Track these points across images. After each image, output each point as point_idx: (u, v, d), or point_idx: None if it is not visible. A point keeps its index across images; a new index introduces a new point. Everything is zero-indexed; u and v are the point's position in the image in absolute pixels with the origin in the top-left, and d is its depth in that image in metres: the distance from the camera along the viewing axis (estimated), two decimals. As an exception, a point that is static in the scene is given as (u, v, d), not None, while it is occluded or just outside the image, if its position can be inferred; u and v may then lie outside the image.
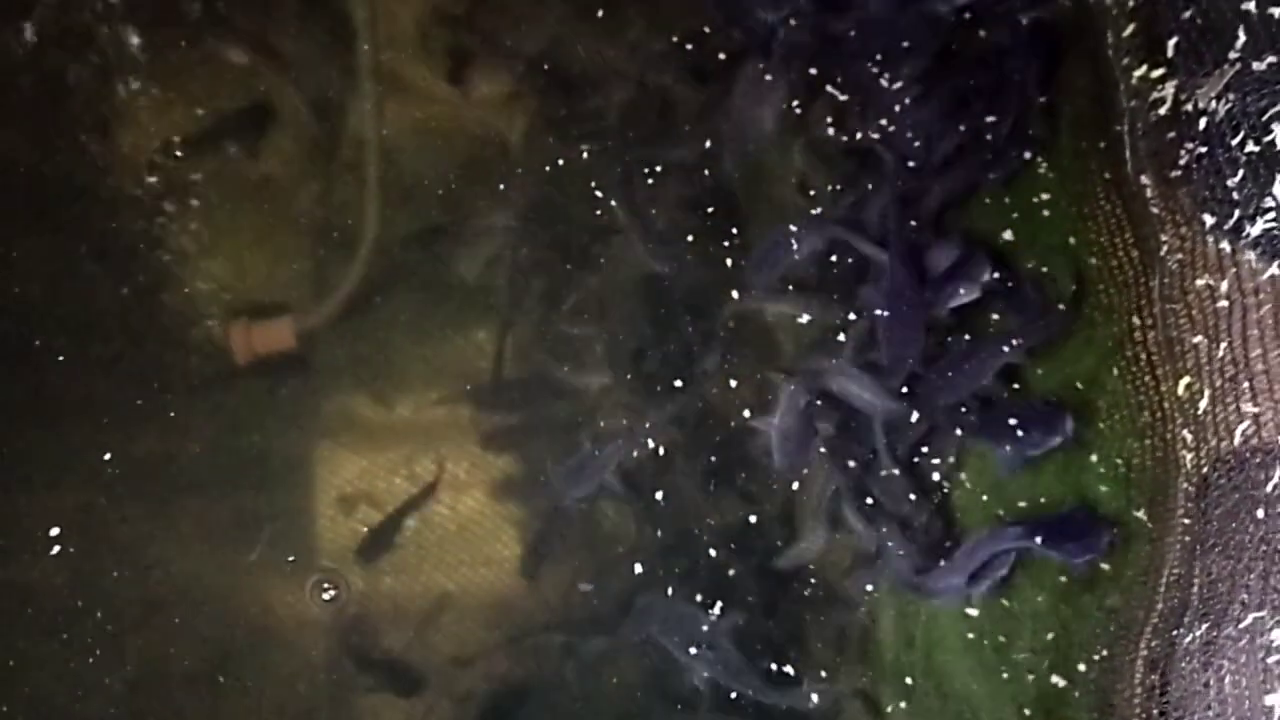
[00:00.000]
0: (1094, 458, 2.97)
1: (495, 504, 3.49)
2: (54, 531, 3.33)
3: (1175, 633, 2.51)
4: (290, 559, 3.44)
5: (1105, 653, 2.73)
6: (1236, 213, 2.70)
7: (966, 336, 3.19)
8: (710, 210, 3.46)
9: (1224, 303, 2.72)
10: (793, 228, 3.31)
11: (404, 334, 3.55)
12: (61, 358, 3.41)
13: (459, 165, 3.58)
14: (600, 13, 3.54)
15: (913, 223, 3.25)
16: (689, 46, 3.52)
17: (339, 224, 3.55)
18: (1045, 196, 3.19)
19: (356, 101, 3.58)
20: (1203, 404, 2.74)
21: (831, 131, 3.41)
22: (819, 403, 3.25)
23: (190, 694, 3.36)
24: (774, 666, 3.30)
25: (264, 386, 3.51)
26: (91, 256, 3.49)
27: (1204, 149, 2.79)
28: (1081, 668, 2.81)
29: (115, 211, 3.51)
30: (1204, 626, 2.44)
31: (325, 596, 3.45)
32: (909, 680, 3.20)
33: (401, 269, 3.53)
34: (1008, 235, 3.22)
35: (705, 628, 3.26)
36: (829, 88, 3.40)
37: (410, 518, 3.48)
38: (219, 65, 3.59)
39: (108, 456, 3.39)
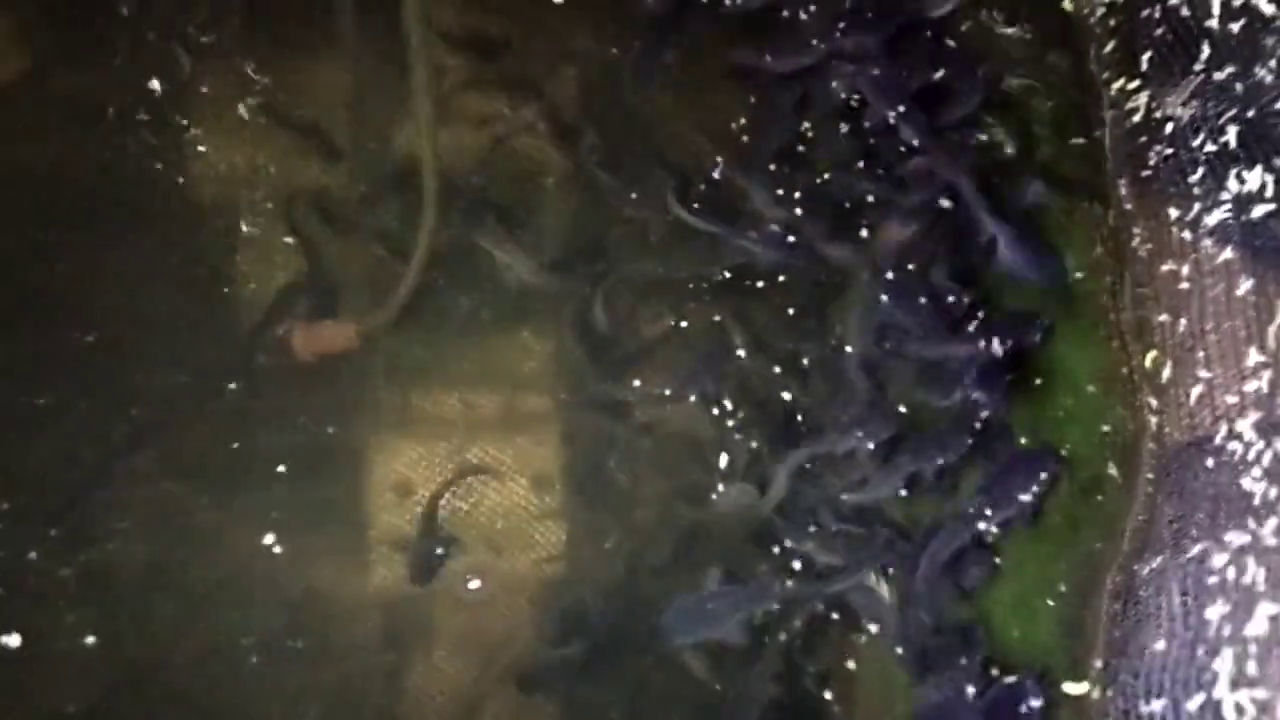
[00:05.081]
0: (1078, 427, 3.17)
1: (538, 493, 3.57)
2: (131, 517, 3.44)
3: (1135, 567, 2.79)
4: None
5: (1076, 589, 2.98)
6: (1197, 206, 2.92)
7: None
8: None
9: (1185, 284, 2.95)
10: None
11: (456, 334, 3.64)
12: (136, 358, 3.51)
13: (510, 173, 3.68)
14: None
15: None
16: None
17: (397, 232, 3.64)
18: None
19: (413, 117, 3.63)
20: (1166, 373, 2.97)
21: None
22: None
23: (258, 663, 3.42)
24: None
25: (326, 382, 3.57)
26: (164, 266, 3.57)
27: (1170, 150, 3.01)
28: (1051, 602, 3.04)
29: (187, 225, 3.61)
30: (1158, 559, 2.71)
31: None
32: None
33: (455, 274, 3.62)
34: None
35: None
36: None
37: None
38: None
39: (179, 448, 3.49)
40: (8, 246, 3.57)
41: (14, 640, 3.35)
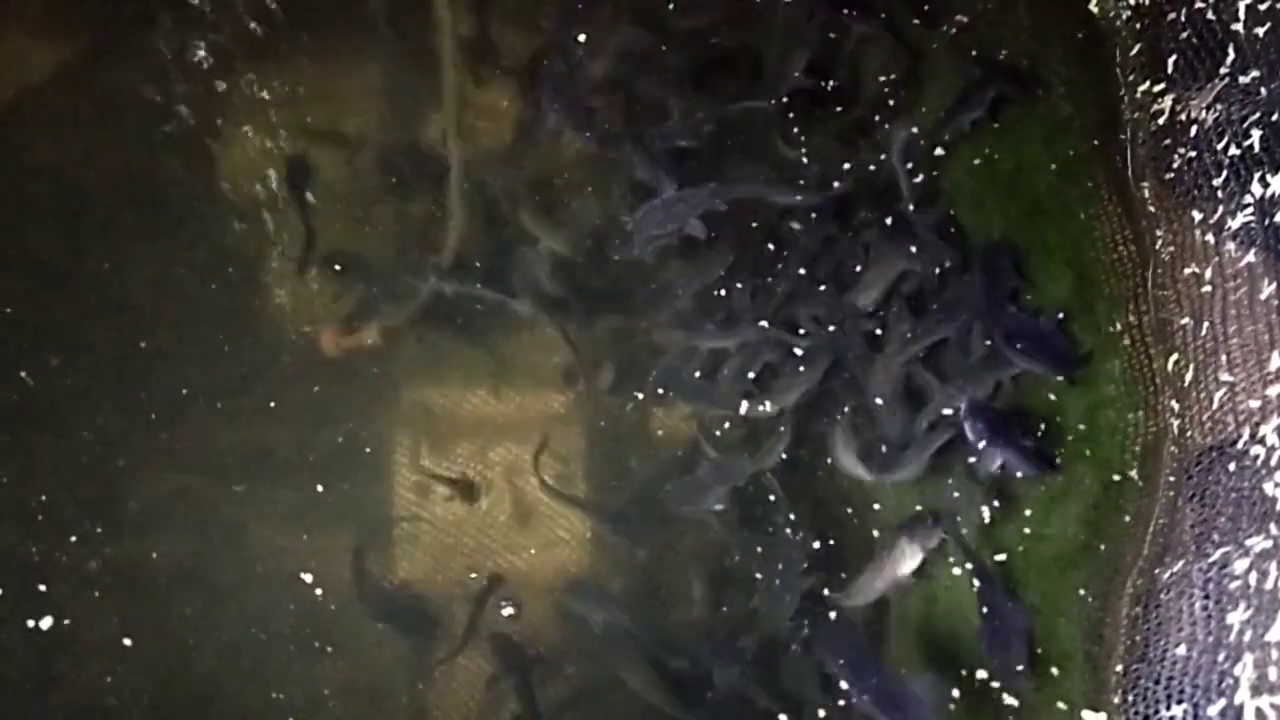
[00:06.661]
0: (1099, 430, 3.16)
1: (561, 489, 3.63)
2: (159, 512, 3.54)
3: (1156, 571, 2.77)
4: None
5: (1097, 592, 2.96)
6: (1220, 209, 2.92)
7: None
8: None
9: (1207, 288, 2.94)
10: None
11: (474, 334, 3.72)
12: (165, 355, 3.61)
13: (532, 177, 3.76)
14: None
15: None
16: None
17: (422, 234, 3.76)
18: (1054, 199, 3.40)
19: (441, 122, 3.77)
20: (1188, 376, 2.95)
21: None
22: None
23: (287, 654, 3.50)
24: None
25: (349, 381, 3.66)
26: (193, 263, 3.68)
27: (1194, 153, 3.02)
28: (1071, 606, 3.01)
29: (216, 223, 3.71)
30: (1180, 563, 2.69)
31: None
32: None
33: (474, 277, 3.70)
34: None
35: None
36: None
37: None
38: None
39: (207, 445, 3.58)
40: (41, 243, 3.68)
41: (45, 622, 3.43)
